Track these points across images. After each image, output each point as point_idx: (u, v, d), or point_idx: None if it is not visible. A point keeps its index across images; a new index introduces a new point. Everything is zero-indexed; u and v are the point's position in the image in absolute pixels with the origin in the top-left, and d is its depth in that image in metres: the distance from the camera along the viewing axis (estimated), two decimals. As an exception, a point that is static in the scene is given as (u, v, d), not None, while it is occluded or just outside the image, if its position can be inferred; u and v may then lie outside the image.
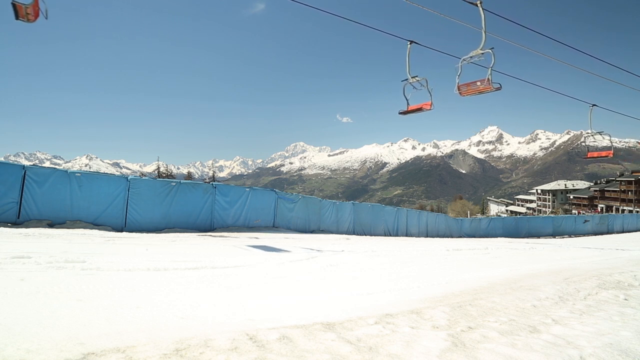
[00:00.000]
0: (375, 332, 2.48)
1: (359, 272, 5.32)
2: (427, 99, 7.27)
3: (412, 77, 7.15)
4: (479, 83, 7.17)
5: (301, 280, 4.54)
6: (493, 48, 6.75)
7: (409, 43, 7.00)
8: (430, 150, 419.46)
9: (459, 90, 7.44)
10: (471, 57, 7.09)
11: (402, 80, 7.30)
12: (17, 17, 6.42)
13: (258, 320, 2.60)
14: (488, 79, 6.99)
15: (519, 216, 51.63)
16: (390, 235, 17.28)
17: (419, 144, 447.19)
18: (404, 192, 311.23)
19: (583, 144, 9.82)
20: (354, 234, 15.41)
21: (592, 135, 9.36)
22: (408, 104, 7.51)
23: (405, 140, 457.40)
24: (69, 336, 2.04)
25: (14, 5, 6.05)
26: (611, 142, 9.38)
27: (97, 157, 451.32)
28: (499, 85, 6.93)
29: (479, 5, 6.41)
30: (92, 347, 1.92)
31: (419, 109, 7.42)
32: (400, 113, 7.75)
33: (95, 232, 8.23)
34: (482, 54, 6.91)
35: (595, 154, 9.94)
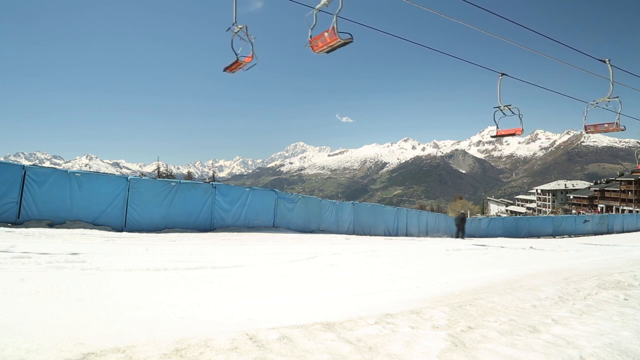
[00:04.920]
0: (375, 332, 2.48)
1: (358, 272, 5.32)
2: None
3: None
4: (606, 125, 8.28)
5: (301, 280, 4.54)
6: (618, 97, 7.87)
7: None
8: (430, 150, 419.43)
9: (585, 129, 8.62)
10: (597, 103, 8.13)
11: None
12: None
13: (258, 320, 2.60)
14: (616, 123, 8.09)
15: (519, 216, 51.62)
16: (390, 235, 17.28)
17: (419, 144, 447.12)
18: (404, 192, 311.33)
19: (495, 121, 8.57)
20: (354, 234, 15.41)
21: (501, 110, 8.34)
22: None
23: (405, 140, 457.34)
24: (69, 336, 2.04)
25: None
26: (520, 117, 8.36)
27: (97, 157, 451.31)
28: (624, 127, 8.03)
29: (607, 62, 7.55)
30: (92, 347, 1.92)
31: None
32: None
33: (95, 232, 8.22)
34: (609, 101, 7.92)
35: (504, 132, 8.96)
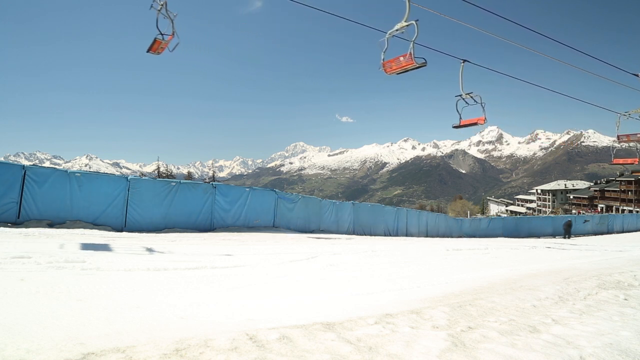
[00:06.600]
0: (375, 332, 2.48)
1: (358, 272, 5.32)
2: None
3: None
4: (639, 135, 9.37)
5: (301, 280, 4.54)
6: None
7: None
8: (430, 150, 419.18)
9: (618, 139, 9.73)
10: (629, 114, 9.22)
11: None
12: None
13: (258, 320, 2.60)
14: None
15: (519, 216, 51.63)
16: (390, 235, 17.28)
17: (419, 144, 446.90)
18: (404, 192, 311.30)
19: (457, 110, 8.08)
20: (354, 234, 15.41)
21: (463, 98, 8.26)
22: None
23: (405, 140, 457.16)
24: (69, 336, 2.04)
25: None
26: (482, 106, 7.88)
27: (97, 157, 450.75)
28: None
29: (639, 77, 8.31)
30: (92, 347, 1.92)
31: None
32: None
33: (95, 232, 8.22)
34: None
35: (467, 122, 8.40)
